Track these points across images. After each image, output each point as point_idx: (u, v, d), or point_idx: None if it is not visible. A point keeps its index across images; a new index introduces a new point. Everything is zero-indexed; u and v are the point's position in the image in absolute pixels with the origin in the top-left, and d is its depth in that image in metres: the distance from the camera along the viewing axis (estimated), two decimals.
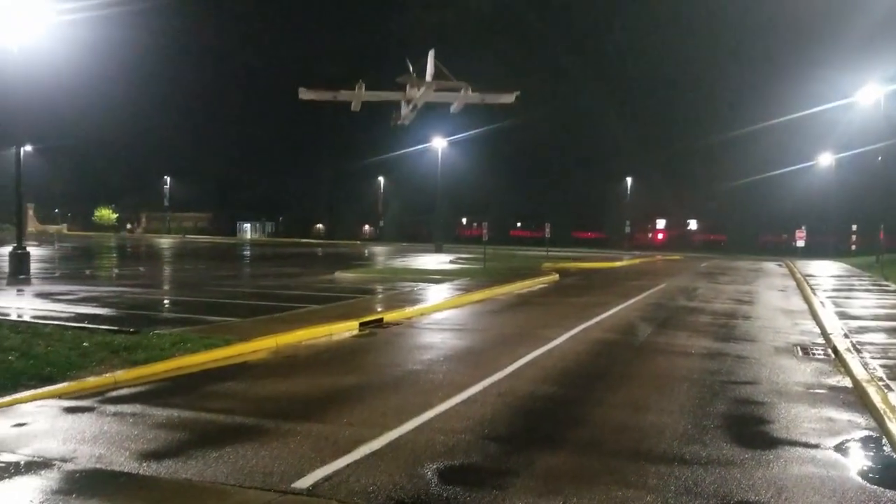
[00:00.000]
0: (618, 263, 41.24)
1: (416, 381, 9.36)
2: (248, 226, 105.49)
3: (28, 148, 65.17)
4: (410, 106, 26.44)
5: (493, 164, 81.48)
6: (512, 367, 10.16)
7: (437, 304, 17.65)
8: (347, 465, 6.02)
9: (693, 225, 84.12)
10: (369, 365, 10.66)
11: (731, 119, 68.66)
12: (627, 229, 73.07)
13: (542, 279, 26.66)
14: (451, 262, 37.79)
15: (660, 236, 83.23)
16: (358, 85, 24.67)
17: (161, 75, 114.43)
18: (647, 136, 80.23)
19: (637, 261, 46.41)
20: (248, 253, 50.67)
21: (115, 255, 45.81)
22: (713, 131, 69.61)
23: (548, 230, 46.70)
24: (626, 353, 11.87)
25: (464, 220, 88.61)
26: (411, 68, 25.33)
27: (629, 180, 78.70)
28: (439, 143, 57.80)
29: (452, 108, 27.66)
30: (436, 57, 25.15)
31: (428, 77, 24.92)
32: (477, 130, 66.15)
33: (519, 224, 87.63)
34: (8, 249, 23.05)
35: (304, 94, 24.62)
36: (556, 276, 28.05)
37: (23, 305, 15.87)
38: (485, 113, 79.50)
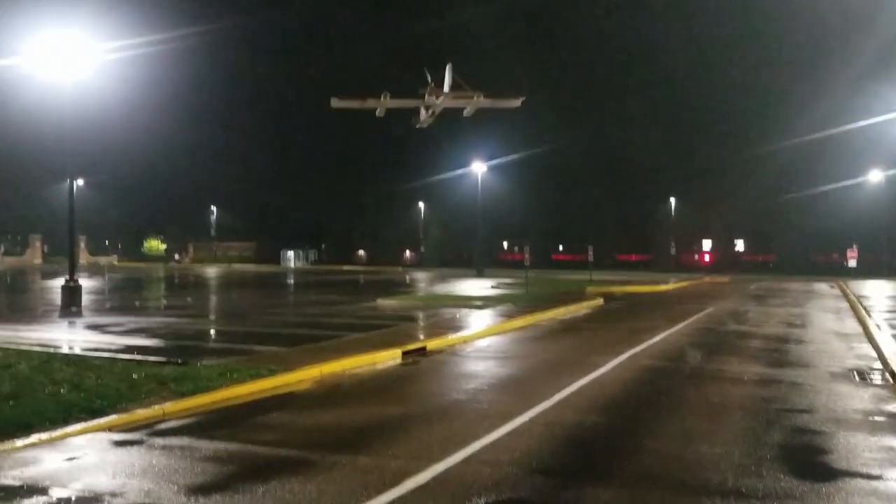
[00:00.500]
0: (664, 286, 40.63)
1: (461, 410, 9.27)
2: (291, 254, 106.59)
3: (80, 182, 67.09)
4: (430, 111, 28.38)
5: (534, 186, 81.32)
6: (558, 395, 10.00)
7: (480, 331, 17.54)
8: (394, 500, 5.95)
9: (740, 245, 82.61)
10: (413, 394, 10.60)
11: (777, 133, 67.35)
12: (672, 251, 71.96)
13: (586, 304, 26.37)
14: (493, 287, 37.64)
15: (706, 257, 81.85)
16: (383, 94, 26.78)
17: (206, 107, 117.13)
18: (690, 153, 79.30)
19: (684, 283, 45.68)
20: (291, 281, 51.16)
21: (163, 285, 46.64)
22: (759, 145, 68.45)
23: (590, 253, 46.25)
24: (675, 380, 11.63)
25: (505, 245, 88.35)
26: (429, 78, 27.25)
27: (672, 200, 77.76)
28: (479, 168, 57.90)
29: (466, 112, 29.18)
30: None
31: (446, 88, 26.81)
32: (518, 155, 66.41)
33: (561, 247, 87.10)
34: (61, 282, 23.58)
35: (336, 103, 26.63)
36: (600, 301, 27.73)
37: (74, 337, 16.20)
38: (526, 135, 79.66)
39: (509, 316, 20.87)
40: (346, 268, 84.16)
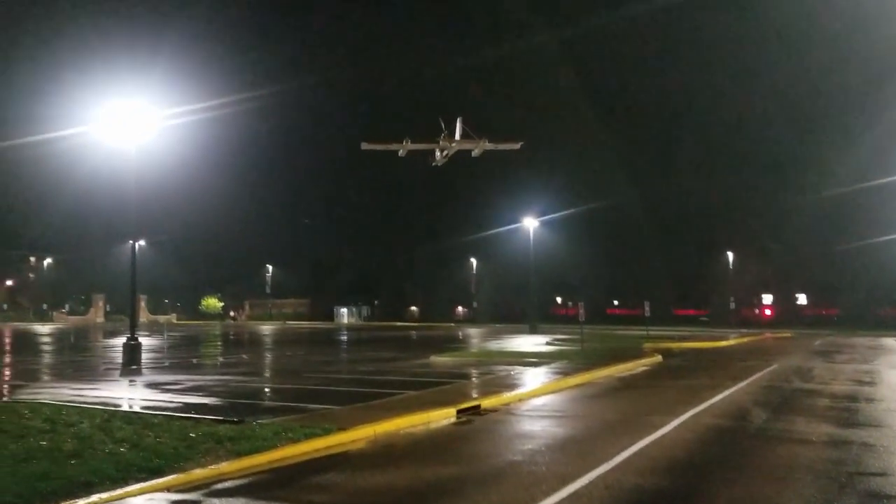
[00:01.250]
0: (724, 342, 39.63)
1: (517, 472, 9.06)
2: (344, 310, 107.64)
3: (142, 242, 69.18)
4: (444, 154, 33.39)
5: (588, 240, 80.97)
6: (618, 457, 9.72)
7: (535, 389, 17.28)
8: None
9: (802, 299, 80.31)
10: (468, 455, 10.43)
11: (838, 180, 65.81)
12: (732, 305, 70.27)
13: (644, 361, 25.83)
14: (547, 343, 37.20)
15: (767, 312, 79.79)
16: (405, 140, 31.55)
17: (263, 169, 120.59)
18: (747, 205, 78.11)
19: (745, 339, 44.49)
20: (344, 338, 51.44)
21: (219, 343, 47.35)
22: (818, 193, 67.00)
23: (647, 308, 45.51)
24: (740, 440, 11.21)
25: (558, 300, 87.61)
26: (444, 127, 32.33)
27: (730, 254, 76.29)
28: (531, 222, 57.93)
29: (473, 153, 34.23)
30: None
31: (457, 136, 32.30)
32: (571, 210, 66.30)
33: (616, 302, 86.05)
34: (122, 340, 24.13)
35: (366, 146, 30.76)
36: (658, 358, 27.13)
37: (134, 396, 16.47)
38: (579, 189, 79.62)
39: (565, 373, 20.54)
40: (398, 324, 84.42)
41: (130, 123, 22.41)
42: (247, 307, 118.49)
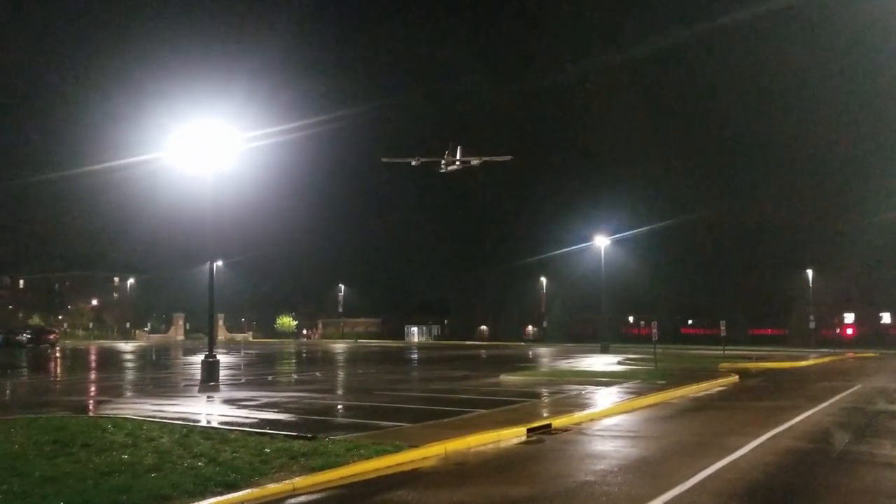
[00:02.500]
0: (804, 362, 38.21)
1: (589, 493, 8.92)
2: (415, 329, 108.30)
3: (219, 263, 71.23)
4: (448, 168, 40.64)
5: (661, 259, 79.49)
6: (693, 479, 9.46)
7: (607, 409, 16.99)
8: None
9: (886, 317, 76.79)
10: (539, 474, 10.32)
11: None
12: (812, 324, 67.68)
13: (720, 381, 25.11)
14: (619, 363, 36.57)
15: (849, 331, 76.53)
16: (417, 156, 38.23)
17: (334, 190, 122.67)
18: (825, 221, 75.42)
19: (826, 359, 42.79)
20: (415, 356, 51.68)
21: (293, 360, 48.20)
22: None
23: (723, 327, 44.28)
24: (821, 464, 10.78)
25: (630, 319, 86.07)
26: (450, 147, 40.62)
27: (809, 272, 73.67)
28: (602, 241, 57.20)
29: (473, 163, 41.48)
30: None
31: (458, 155, 40.22)
32: (643, 228, 65.23)
33: (690, 322, 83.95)
34: (201, 357, 24.82)
35: (385, 159, 34.13)
36: (735, 378, 26.34)
37: (212, 411, 16.91)
38: (651, 207, 78.31)
39: (638, 393, 20.14)
40: (468, 343, 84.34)
41: (207, 149, 23.19)
42: (320, 326, 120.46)
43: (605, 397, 19.35)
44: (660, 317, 42.18)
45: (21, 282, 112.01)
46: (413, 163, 40.22)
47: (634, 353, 45.71)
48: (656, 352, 34.88)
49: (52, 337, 72.79)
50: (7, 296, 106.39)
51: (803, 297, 73.39)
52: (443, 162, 41.77)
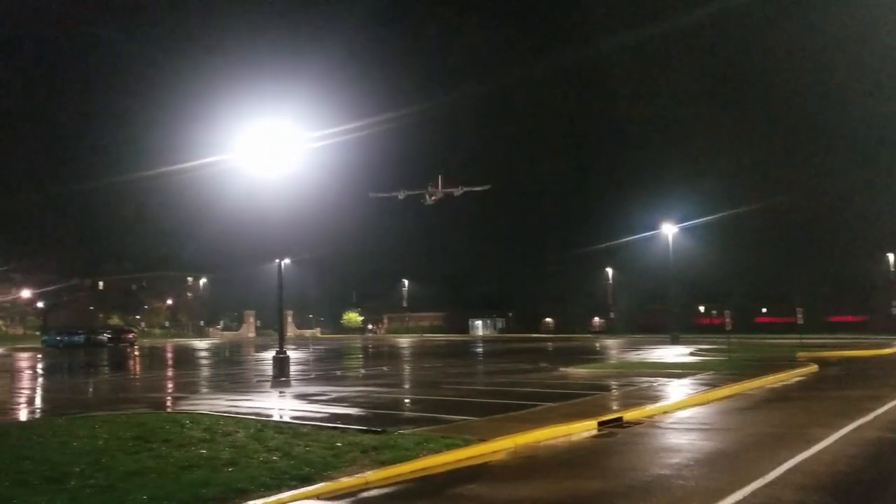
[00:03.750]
0: (887, 350, 36.72)
1: (665, 487, 8.73)
2: (479, 323, 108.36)
3: (287, 261, 72.56)
4: (432, 199, 42.67)
5: (732, 246, 77.41)
6: (773, 472, 9.16)
7: (680, 401, 16.63)
8: None
9: None
10: (612, 468, 10.17)
11: None
12: (894, 310, 64.93)
13: (798, 370, 24.33)
14: (691, 353, 35.80)
15: None
16: (402, 190, 39.91)
17: (398, 186, 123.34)
18: None
19: None
20: (480, 350, 51.66)
21: (360, 355, 48.79)
22: None
23: (800, 315, 42.92)
24: None
25: (701, 309, 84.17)
26: (432, 182, 43.37)
27: (892, 256, 70.69)
28: (669, 229, 56.04)
29: (455, 193, 43.73)
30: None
31: (439, 186, 41.99)
32: (715, 216, 63.64)
33: (764, 310, 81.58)
34: (271, 353, 25.34)
35: (372, 195, 34.93)
36: (814, 367, 25.48)
37: (284, 406, 17.23)
38: (721, 194, 76.39)
39: (712, 385, 19.66)
40: (533, 336, 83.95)
41: (273, 149, 23.61)
42: (385, 321, 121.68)
43: (677, 389, 18.96)
44: (732, 306, 41.19)
45: (101, 283, 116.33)
46: (399, 196, 43.61)
47: (706, 344, 44.68)
48: (730, 342, 34.04)
49: (130, 336, 75.46)
50: (88, 297, 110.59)
51: (885, 283, 70.52)
52: (427, 194, 44.12)
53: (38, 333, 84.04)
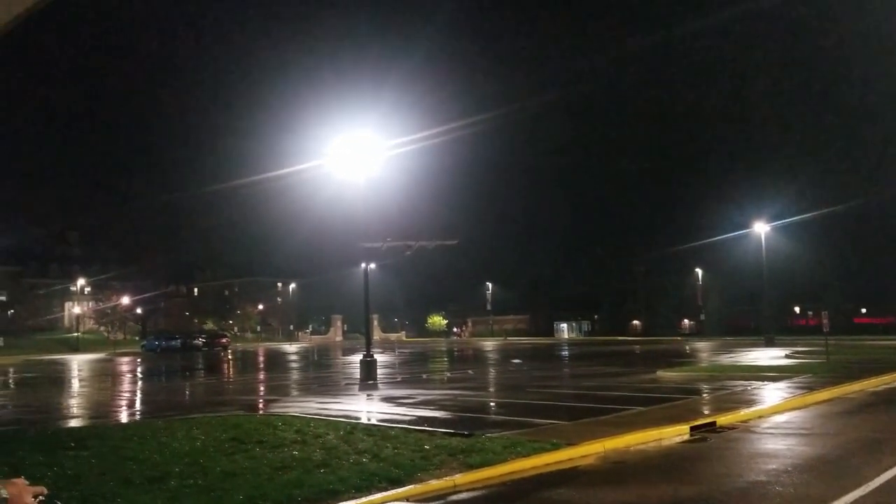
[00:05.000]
0: None
1: (763, 494, 8.43)
2: (564, 325, 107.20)
3: (372, 266, 73.74)
4: (409, 252, 42.52)
5: (829, 245, 74.15)
6: (878, 479, 8.72)
7: (776, 405, 16.04)
8: None
9: None
10: (706, 474, 9.89)
11: None
12: None
13: None
14: (786, 356, 34.50)
15: None
16: (384, 240, 39.12)
17: (478, 190, 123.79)
18: None
19: None
20: (565, 353, 51.14)
21: (445, 358, 49.06)
22: None
23: None
24: None
25: (796, 309, 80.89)
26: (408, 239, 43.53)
27: None
28: (761, 227, 54.12)
29: (428, 247, 43.83)
30: None
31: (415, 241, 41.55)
32: (808, 214, 61.20)
33: (863, 311, 77.81)
34: (359, 357, 25.77)
35: (362, 244, 35.58)
36: None
37: (372, 409, 17.50)
38: (816, 191, 73.28)
39: (810, 388, 18.89)
40: (620, 338, 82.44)
41: (359, 155, 24.05)
42: (469, 324, 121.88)
43: (772, 393, 18.29)
44: (829, 306, 39.43)
45: (195, 290, 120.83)
46: (382, 248, 44.46)
47: (802, 346, 42.93)
48: (827, 343, 32.62)
49: (224, 340, 78.09)
50: (184, 303, 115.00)
51: None
52: (404, 248, 44.71)
53: (137, 339, 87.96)
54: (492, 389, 23.87)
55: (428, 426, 13.36)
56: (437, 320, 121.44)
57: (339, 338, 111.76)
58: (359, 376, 24.68)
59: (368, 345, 25.58)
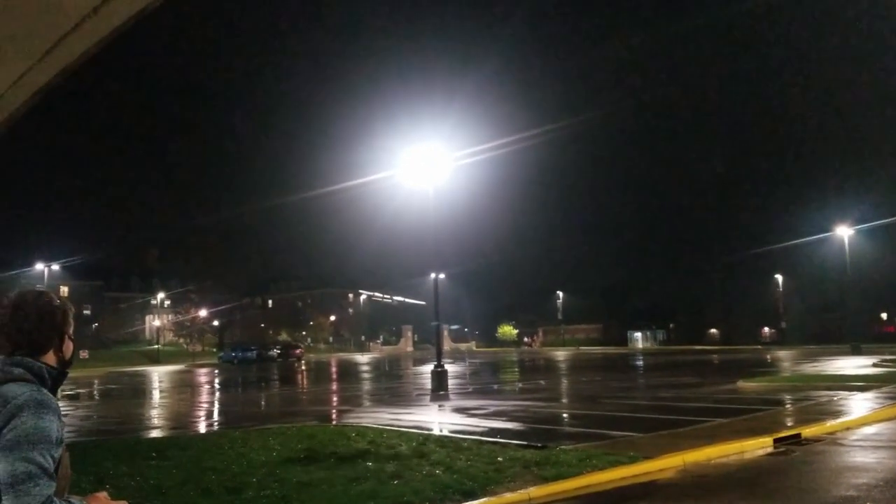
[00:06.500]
0: None
1: None
2: (638, 335, 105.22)
3: (442, 276, 74.08)
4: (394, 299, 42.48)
5: None
6: None
7: (865, 417, 15.31)
8: None
9: None
10: (791, 488, 9.48)
11: None
12: None
13: None
14: (874, 365, 33.00)
15: None
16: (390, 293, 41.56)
17: (549, 199, 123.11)
18: None
19: None
20: (640, 363, 50.15)
21: (516, 368, 48.73)
22: None
23: None
24: None
25: (883, 316, 77.44)
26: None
27: None
28: (844, 231, 52.04)
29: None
30: None
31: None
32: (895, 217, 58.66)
33: None
34: (429, 367, 25.82)
35: (362, 292, 35.15)
36: None
37: (443, 420, 17.47)
38: None
39: None
40: (696, 348, 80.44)
41: (429, 166, 24.19)
42: (540, 333, 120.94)
43: (860, 403, 17.48)
44: None
45: (270, 301, 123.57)
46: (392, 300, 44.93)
47: (891, 354, 41.01)
48: None
49: (298, 352, 79.50)
50: (259, 315, 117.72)
51: None
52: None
53: (214, 350, 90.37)
54: (564, 400, 23.56)
55: (500, 438, 13.24)
56: (508, 330, 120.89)
57: (409, 348, 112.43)
58: (430, 387, 24.71)
59: (439, 355, 25.60)
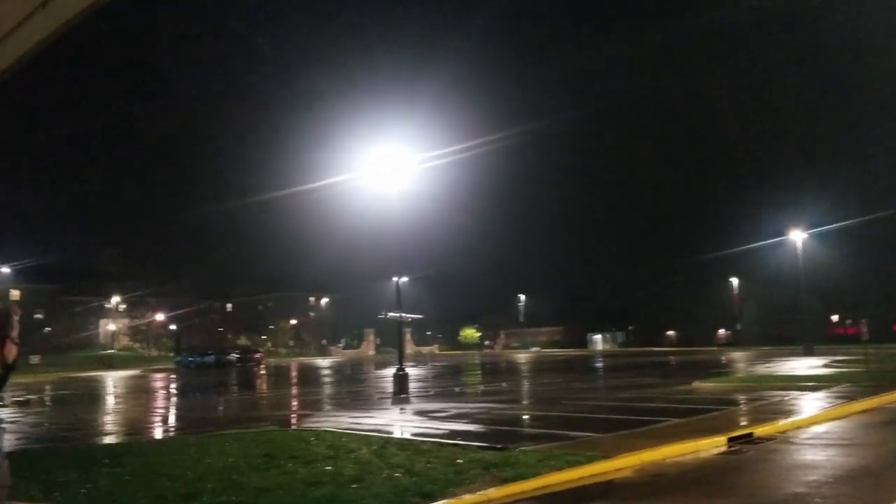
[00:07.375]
0: None
1: None
2: (598, 337, 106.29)
3: (404, 279, 73.94)
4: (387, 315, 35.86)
5: (867, 253, 72.80)
6: None
7: (815, 416, 15.70)
8: None
9: None
10: (744, 486, 9.69)
11: None
12: None
13: None
14: (825, 365, 33.82)
15: None
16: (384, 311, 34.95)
17: (509, 204, 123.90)
18: None
19: None
20: (600, 364, 50.69)
21: (478, 371, 48.88)
22: None
23: None
24: None
25: (834, 318, 79.34)
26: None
27: None
28: (798, 235, 53.25)
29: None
30: None
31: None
32: (846, 222, 60.24)
33: None
34: (391, 371, 25.79)
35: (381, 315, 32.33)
36: None
37: (405, 423, 17.46)
38: (854, 198, 72.14)
39: (850, 397, 18.46)
40: (655, 349, 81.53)
41: (391, 170, 24.17)
42: (502, 336, 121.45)
43: (811, 403, 17.92)
44: (868, 315, 38.53)
45: (229, 305, 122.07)
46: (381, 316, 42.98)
47: (842, 355, 42.02)
48: (867, 352, 31.92)
49: (257, 356, 78.67)
50: (218, 319, 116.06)
51: None
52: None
53: (171, 355, 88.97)
54: (525, 402, 23.71)
55: (461, 440, 13.28)
56: (470, 333, 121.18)
57: (371, 352, 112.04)
58: (391, 390, 24.70)
59: (401, 359, 25.58)
